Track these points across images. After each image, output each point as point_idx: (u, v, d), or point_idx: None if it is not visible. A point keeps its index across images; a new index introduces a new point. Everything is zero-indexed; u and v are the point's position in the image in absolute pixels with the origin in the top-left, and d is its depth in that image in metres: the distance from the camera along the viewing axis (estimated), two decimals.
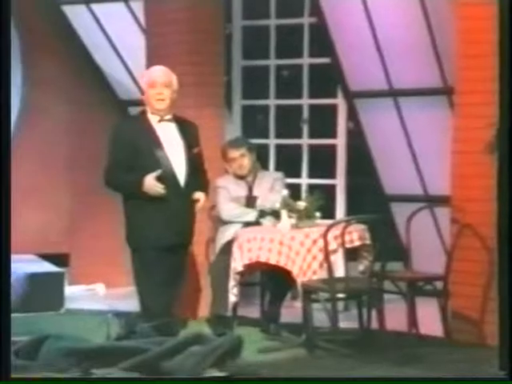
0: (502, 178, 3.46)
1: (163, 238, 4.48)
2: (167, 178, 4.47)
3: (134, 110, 7.13)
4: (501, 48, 3.59)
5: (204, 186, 4.72)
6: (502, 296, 4.19)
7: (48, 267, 6.30)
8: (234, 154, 5.51)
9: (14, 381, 3.15)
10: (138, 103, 6.90)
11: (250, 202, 5.52)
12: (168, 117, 4.56)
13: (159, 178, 4.45)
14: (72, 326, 5.35)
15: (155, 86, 4.51)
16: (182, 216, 4.53)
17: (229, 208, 5.46)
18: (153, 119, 4.55)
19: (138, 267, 4.55)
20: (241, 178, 5.52)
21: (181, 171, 4.51)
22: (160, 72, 4.60)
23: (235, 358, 4.14)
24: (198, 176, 4.64)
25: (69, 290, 6.53)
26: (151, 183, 4.39)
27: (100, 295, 6.86)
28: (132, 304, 6.16)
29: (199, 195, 4.64)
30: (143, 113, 4.62)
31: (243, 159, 5.50)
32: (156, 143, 4.49)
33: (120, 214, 6.97)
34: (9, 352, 3.16)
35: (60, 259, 6.58)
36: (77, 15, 6.96)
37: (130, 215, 4.57)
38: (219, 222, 5.58)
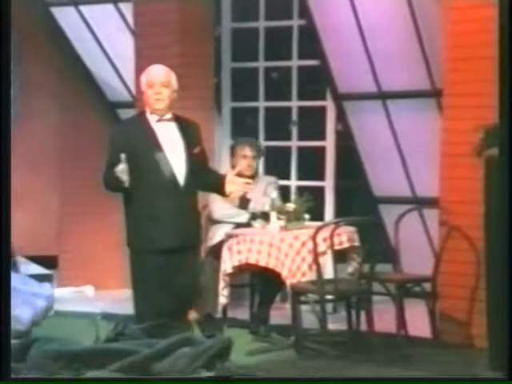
0: (503, 179, 3.44)
1: (163, 240, 4.38)
2: (166, 178, 4.39)
3: (122, 112, 7.14)
4: (501, 48, 3.59)
5: (211, 184, 4.58)
6: (490, 297, 4.22)
7: (37, 269, 6.28)
8: (249, 152, 5.58)
9: (13, 381, 3.08)
10: (127, 105, 6.94)
11: (243, 203, 5.53)
12: (168, 116, 4.48)
13: (159, 180, 4.38)
14: (61, 328, 5.34)
15: (154, 85, 4.44)
16: (182, 216, 4.42)
17: (222, 208, 5.47)
18: (152, 119, 4.48)
19: (136, 270, 4.47)
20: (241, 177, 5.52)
21: (180, 171, 4.42)
22: (158, 71, 4.53)
23: (225, 359, 4.14)
24: (203, 175, 4.51)
25: (57, 292, 6.51)
26: (118, 169, 4.27)
27: (89, 297, 6.85)
28: (121, 306, 6.15)
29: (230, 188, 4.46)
30: (142, 113, 4.55)
31: (254, 161, 5.60)
32: (155, 143, 4.42)
33: (109, 217, 7.00)
34: (9, 352, 3.09)
35: (48, 261, 6.57)
36: (66, 17, 6.95)
37: (130, 217, 4.49)
38: (210, 222, 5.59)
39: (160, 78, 4.46)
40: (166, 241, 4.38)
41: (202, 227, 4.70)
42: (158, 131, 4.45)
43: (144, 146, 4.41)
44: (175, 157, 4.43)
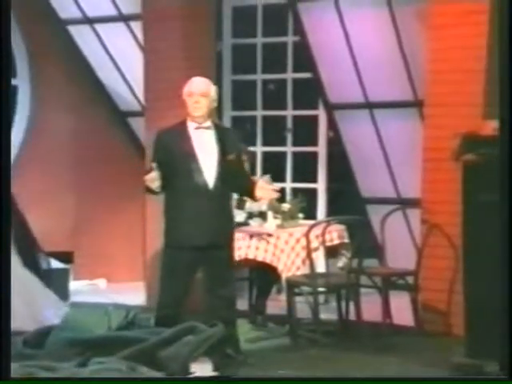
0: (503, 179, 3.39)
1: (193, 238, 4.36)
2: (197, 182, 4.38)
3: (132, 120, 7.15)
4: (500, 50, 3.55)
5: (242, 188, 4.57)
6: (467, 289, 4.22)
7: (54, 264, 6.29)
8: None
9: (13, 381, 2.97)
10: (137, 114, 6.95)
11: (240, 204, 5.53)
12: (206, 124, 4.47)
13: (191, 183, 4.36)
14: (76, 318, 5.35)
15: (193, 95, 4.43)
16: (212, 217, 4.37)
17: None
18: (191, 126, 4.47)
19: (165, 263, 4.46)
20: None
21: (211, 175, 4.39)
22: (198, 82, 4.52)
23: (225, 346, 4.15)
24: (235, 179, 4.46)
25: (73, 284, 6.53)
26: (148, 177, 4.30)
27: (101, 289, 6.85)
28: (131, 297, 6.16)
29: (261, 194, 4.45)
30: (184, 121, 4.53)
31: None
32: (189, 149, 4.41)
33: (120, 216, 7.00)
34: (9, 352, 2.99)
35: (65, 257, 6.58)
36: (81, 34, 6.96)
37: (166, 216, 4.49)
38: None
39: (199, 89, 4.45)
40: (196, 239, 4.34)
41: (233, 228, 4.59)
42: (195, 138, 4.44)
43: (180, 151, 4.41)
44: (207, 162, 4.40)
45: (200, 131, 4.44)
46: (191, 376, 3.19)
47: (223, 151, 4.44)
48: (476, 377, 3.75)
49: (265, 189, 4.49)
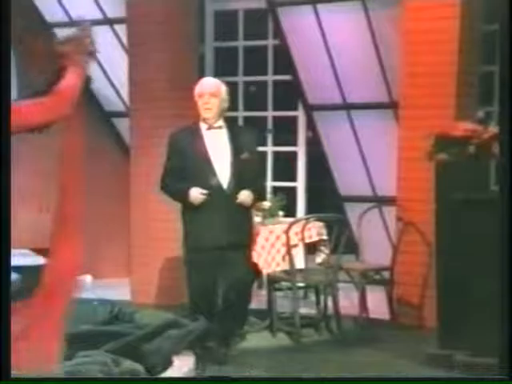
0: (504, 181, 3.43)
1: (208, 239, 4.26)
2: (211, 182, 4.28)
3: (117, 121, 7.15)
4: (502, 52, 3.60)
5: (256, 187, 4.39)
6: (439, 284, 4.29)
7: (41, 260, 6.28)
8: None
9: (13, 381, 2.90)
10: (121, 114, 6.95)
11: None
12: (218, 124, 4.34)
13: (205, 183, 4.26)
14: None
15: (203, 95, 4.32)
16: (227, 217, 4.25)
17: None
18: (203, 127, 4.34)
19: (188, 265, 4.37)
20: None
21: (225, 175, 4.29)
22: (207, 83, 4.42)
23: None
24: (250, 179, 4.33)
25: None
26: (195, 195, 4.23)
27: (87, 285, 6.85)
28: (115, 292, 6.17)
29: (242, 194, 4.28)
30: (196, 122, 4.42)
31: None
32: (203, 150, 4.30)
33: (105, 212, 7.00)
34: (9, 352, 2.93)
35: None
36: None
37: (183, 218, 4.40)
38: None
39: (208, 89, 4.34)
40: (214, 239, 4.24)
41: (250, 227, 4.46)
42: (208, 138, 4.33)
43: (193, 153, 4.30)
44: (221, 162, 4.30)
45: (212, 132, 4.34)
46: (190, 376, 3.20)
47: (237, 150, 4.31)
48: (476, 377, 3.71)
49: (244, 194, 4.35)
